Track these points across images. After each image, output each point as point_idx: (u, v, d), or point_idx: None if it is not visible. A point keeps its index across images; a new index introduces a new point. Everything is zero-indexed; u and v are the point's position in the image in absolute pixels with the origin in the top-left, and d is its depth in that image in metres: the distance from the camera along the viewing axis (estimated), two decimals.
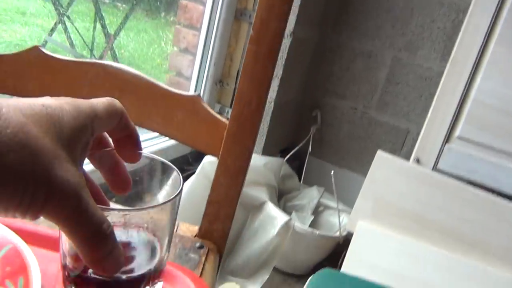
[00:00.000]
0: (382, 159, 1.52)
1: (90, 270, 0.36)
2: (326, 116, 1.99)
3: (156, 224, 0.37)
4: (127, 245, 0.39)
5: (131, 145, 0.37)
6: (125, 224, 0.36)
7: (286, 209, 1.73)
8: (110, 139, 0.38)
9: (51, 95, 0.32)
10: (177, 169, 0.41)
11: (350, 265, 1.49)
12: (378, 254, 1.48)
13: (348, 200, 1.72)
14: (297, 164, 1.94)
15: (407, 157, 1.63)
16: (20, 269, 0.40)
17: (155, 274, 0.39)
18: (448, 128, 1.64)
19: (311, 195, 1.77)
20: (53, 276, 0.44)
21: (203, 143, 0.58)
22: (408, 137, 1.92)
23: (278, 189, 1.72)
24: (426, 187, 1.51)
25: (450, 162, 1.64)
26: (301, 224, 1.61)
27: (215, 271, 0.53)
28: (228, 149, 0.56)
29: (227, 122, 0.57)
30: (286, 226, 1.50)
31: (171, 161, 0.42)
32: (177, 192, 0.38)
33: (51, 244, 0.47)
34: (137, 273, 0.38)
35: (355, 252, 1.48)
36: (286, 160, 1.80)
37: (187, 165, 1.70)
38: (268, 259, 1.51)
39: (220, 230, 0.57)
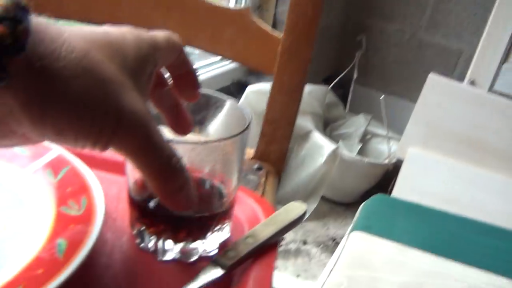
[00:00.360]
0: (435, 82, 1.44)
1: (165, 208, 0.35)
2: (372, 40, 1.89)
3: (225, 160, 0.34)
4: (197, 183, 0.37)
5: (190, 82, 0.34)
6: (194, 160, 0.33)
7: (332, 138, 1.70)
8: (166, 79, 0.35)
9: (94, 15, 0.29)
10: (234, 98, 0.38)
11: (401, 192, 1.46)
12: (430, 180, 1.44)
13: (396, 127, 1.67)
14: (341, 92, 1.87)
15: (460, 79, 1.53)
16: (82, 189, 0.39)
17: (225, 214, 0.37)
18: (506, 47, 1.52)
19: (357, 123, 1.72)
20: (115, 197, 0.43)
21: (255, 60, 0.54)
22: (461, 58, 1.80)
23: (323, 117, 1.68)
24: (481, 109, 1.42)
25: (507, 82, 1.54)
26: (349, 152, 1.57)
27: (275, 193, 0.51)
28: (283, 64, 0.52)
29: (279, 36, 0.53)
30: (334, 154, 1.47)
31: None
32: (247, 124, 0.35)
33: (110, 166, 0.45)
34: (207, 212, 0.36)
35: (406, 178, 1.45)
36: (331, 88, 1.74)
37: (228, 94, 1.67)
38: (316, 188, 1.50)
39: (277, 151, 0.54)
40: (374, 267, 0.86)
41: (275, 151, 0.54)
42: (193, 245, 0.36)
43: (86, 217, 0.35)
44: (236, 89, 1.65)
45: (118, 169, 0.45)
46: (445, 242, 0.94)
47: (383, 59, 1.91)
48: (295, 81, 0.52)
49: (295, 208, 0.42)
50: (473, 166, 1.45)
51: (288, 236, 1.45)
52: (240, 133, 0.34)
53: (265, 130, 0.54)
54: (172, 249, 0.36)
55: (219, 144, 0.33)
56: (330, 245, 1.43)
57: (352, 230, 0.97)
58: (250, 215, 0.43)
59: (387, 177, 1.60)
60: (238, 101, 1.49)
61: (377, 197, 1.09)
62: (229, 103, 0.38)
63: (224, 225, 0.38)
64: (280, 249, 1.40)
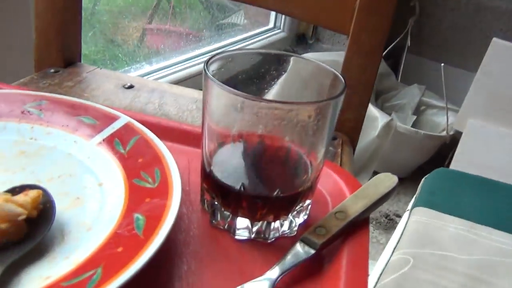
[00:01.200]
0: (498, 48, 1.34)
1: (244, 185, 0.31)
2: (426, 5, 1.78)
3: (314, 128, 0.30)
4: (281, 158, 0.33)
5: None
6: (278, 127, 0.29)
7: (384, 110, 1.62)
8: None
9: None
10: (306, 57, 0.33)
11: (459, 166, 1.39)
12: (491, 153, 1.36)
13: (453, 98, 1.57)
14: (393, 62, 1.78)
15: None
16: (154, 160, 0.36)
17: (309, 191, 0.33)
18: None
19: (411, 94, 1.63)
20: (186, 168, 0.39)
21: (330, 18, 0.49)
22: None
23: (375, 88, 1.61)
24: None
25: None
26: (403, 124, 1.50)
27: (353, 164, 0.47)
28: (361, 22, 0.47)
29: None
30: (388, 126, 1.40)
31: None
32: (343, 87, 0.30)
33: (178, 136, 0.42)
34: (290, 191, 0.32)
35: (465, 152, 1.37)
36: (382, 58, 1.66)
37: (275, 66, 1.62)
38: (368, 161, 1.44)
39: (353, 120, 0.50)
40: (441, 244, 0.80)
41: (350, 119, 0.50)
42: (272, 225, 0.33)
43: (162, 191, 0.32)
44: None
45: (186, 139, 0.42)
46: None
47: (438, 25, 1.80)
48: (375, 41, 0.47)
49: (385, 181, 0.37)
50: None
51: None
52: (336, 96, 0.29)
53: None
54: (248, 228, 0.33)
55: (313, 107, 0.28)
56: (383, 222, 1.38)
57: (414, 206, 0.91)
58: (334, 189, 0.39)
59: (442, 151, 1.52)
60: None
61: (439, 171, 1.03)
62: (314, 64, 0.34)
63: (306, 203, 0.34)
64: None
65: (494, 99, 1.37)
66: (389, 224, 1.36)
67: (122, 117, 0.40)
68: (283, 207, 0.32)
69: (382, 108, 1.64)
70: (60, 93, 0.50)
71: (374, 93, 1.60)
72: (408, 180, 1.57)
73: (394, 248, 0.82)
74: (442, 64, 1.40)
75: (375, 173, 1.50)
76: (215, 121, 0.31)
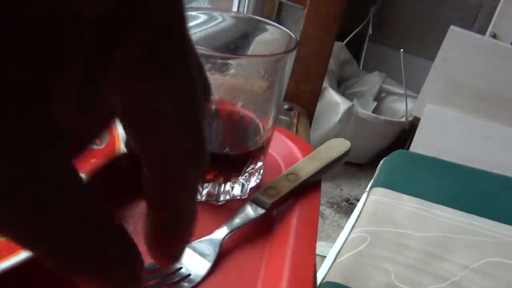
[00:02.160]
0: (455, 35, 1.37)
1: None
2: None
3: (264, 89, 0.29)
4: (231, 117, 0.32)
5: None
6: (230, 86, 0.29)
7: (346, 96, 1.64)
8: None
9: None
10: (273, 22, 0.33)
11: (418, 150, 1.42)
12: (448, 138, 1.39)
13: (412, 85, 1.61)
14: (355, 50, 1.80)
15: (479, 34, 1.46)
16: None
17: (260, 152, 0.33)
18: None
19: (372, 81, 1.66)
20: None
21: None
22: (481, 12, 1.72)
23: (337, 75, 1.62)
24: (504, 63, 1.36)
25: None
26: (364, 110, 1.52)
27: (309, 134, 0.47)
28: None
29: None
30: (349, 112, 1.42)
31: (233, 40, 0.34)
32: (295, 44, 0.30)
33: None
34: (240, 150, 0.32)
35: (423, 136, 1.40)
36: (344, 45, 1.68)
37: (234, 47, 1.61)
38: None
39: (309, 92, 0.50)
40: (398, 222, 0.82)
41: (307, 91, 0.50)
42: (222, 187, 0.32)
43: (109, 151, 0.31)
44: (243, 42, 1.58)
45: None
46: (471, 197, 0.90)
47: (398, 14, 1.83)
48: (332, 12, 0.46)
49: (338, 145, 0.37)
50: (493, 123, 1.40)
51: None
52: (286, 52, 0.29)
53: (296, 68, 0.49)
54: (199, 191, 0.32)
55: (262, 60, 0.28)
56: (344, 206, 1.40)
57: (372, 187, 0.93)
58: (287, 154, 0.38)
59: (402, 137, 1.55)
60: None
61: (397, 153, 1.05)
62: (270, 27, 0.33)
63: (257, 165, 0.34)
64: None
65: (451, 86, 1.41)
66: (350, 208, 1.38)
67: None
68: (234, 167, 0.32)
69: (344, 94, 1.66)
70: None
71: (336, 79, 1.61)
72: (369, 165, 1.60)
73: (352, 227, 0.83)
74: (402, 50, 1.43)
75: None
76: None
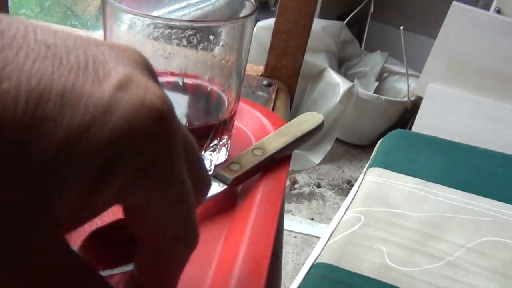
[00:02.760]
0: (458, 11, 1.34)
1: None
2: None
3: (223, 59, 0.27)
4: (190, 87, 0.30)
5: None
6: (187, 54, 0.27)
7: (347, 77, 1.61)
8: None
9: None
10: None
11: (420, 130, 1.39)
12: (451, 117, 1.37)
13: (415, 64, 1.58)
14: (356, 29, 1.77)
15: (484, 9, 1.42)
16: None
17: (224, 126, 0.31)
18: None
19: (374, 61, 1.63)
20: None
21: None
22: None
23: (338, 55, 1.59)
24: (509, 39, 1.32)
25: None
26: (365, 90, 1.50)
27: (288, 110, 0.45)
28: None
29: None
30: (349, 92, 1.39)
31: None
32: (254, 8, 0.28)
33: None
34: (200, 122, 0.30)
35: (426, 116, 1.38)
36: (345, 25, 1.64)
37: None
38: (330, 129, 1.44)
39: (290, 67, 0.48)
40: (393, 202, 0.80)
41: (287, 66, 0.48)
42: None
43: None
44: None
45: None
46: (470, 176, 0.88)
47: None
48: None
49: (310, 119, 0.36)
50: (497, 101, 1.37)
51: (302, 179, 1.41)
52: (245, 16, 0.27)
53: (276, 42, 0.48)
54: None
55: (221, 26, 0.26)
56: (345, 188, 1.38)
57: (369, 167, 0.91)
58: (257, 128, 0.37)
59: (404, 117, 1.52)
60: None
61: (395, 132, 1.03)
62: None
63: (221, 142, 0.32)
64: (294, 192, 1.35)
65: (453, 63, 1.38)
66: (351, 190, 1.37)
67: None
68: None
69: (345, 75, 1.64)
70: None
71: (337, 60, 1.59)
72: (371, 146, 1.57)
73: (347, 208, 0.82)
74: (401, 27, 1.39)
75: (338, 140, 1.50)
76: None
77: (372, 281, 0.64)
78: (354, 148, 1.56)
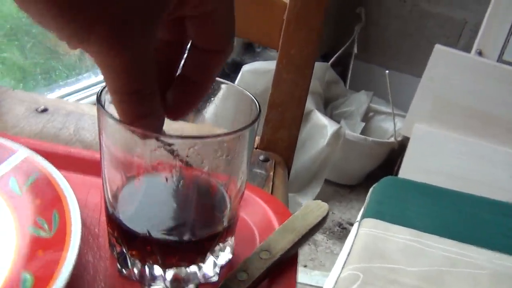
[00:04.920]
0: (441, 54, 1.36)
1: (150, 229, 0.27)
2: (371, 13, 1.80)
3: (229, 159, 0.26)
4: (191, 197, 0.29)
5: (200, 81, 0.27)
6: (189, 159, 0.26)
7: (333, 118, 1.62)
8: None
9: None
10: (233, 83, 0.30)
11: (408, 171, 1.40)
12: (438, 158, 1.37)
13: (400, 103, 1.59)
14: (341, 69, 1.79)
15: (465, 51, 1.46)
16: (53, 200, 0.31)
17: (228, 230, 0.30)
18: None
19: (359, 100, 1.64)
20: (97, 206, 0.35)
21: (258, 32, 0.46)
22: (465, 28, 1.72)
23: (323, 96, 1.60)
24: (491, 80, 1.35)
25: None
26: (351, 131, 1.50)
27: (286, 188, 0.44)
28: (291, 35, 0.44)
29: (286, 1, 0.45)
30: (337, 134, 1.40)
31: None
32: (258, 114, 0.27)
33: (88, 167, 0.38)
34: (205, 233, 0.29)
35: (413, 157, 1.38)
36: (330, 65, 1.66)
37: (223, 76, 1.59)
38: (319, 171, 1.43)
39: (286, 139, 0.47)
40: (390, 257, 0.79)
41: (283, 138, 0.47)
42: (188, 269, 0.29)
43: (58, 240, 0.28)
44: (230, 69, 1.57)
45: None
46: (462, 225, 0.87)
47: (383, 32, 1.83)
48: (305, 54, 0.44)
49: (315, 210, 0.35)
50: (482, 141, 1.39)
51: None
52: (249, 125, 0.26)
53: (271, 115, 0.47)
54: (162, 277, 0.29)
55: (224, 139, 0.25)
56: (337, 231, 1.37)
57: (363, 217, 0.90)
58: (261, 219, 0.35)
59: (392, 156, 1.53)
60: (234, 82, 1.41)
61: (386, 180, 1.02)
62: (228, 87, 0.31)
63: (226, 243, 0.31)
64: None
65: (439, 104, 1.40)
66: (343, 233, 1.35)
67: (20, 150, 0.35)
68: (198, 251, 0.29)
69: (331, 115, 1.64)
70: None
71: (323, 101, 1.59)
72: (360, 187, 1.57)
73: (344, 264, 0.80)
74: (387, 71, 1.41)
75: (326, 181, 1.49)
76: (113, 163, 0.27)
77: None
78: (343, 188, 1.55)
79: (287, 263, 0.31)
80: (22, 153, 0.35)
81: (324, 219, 0.34)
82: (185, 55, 0.25)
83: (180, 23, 0.24)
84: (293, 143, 0.47)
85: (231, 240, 0.31)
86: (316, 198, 1.45)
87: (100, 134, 0.27)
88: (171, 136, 0.24)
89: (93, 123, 0.48)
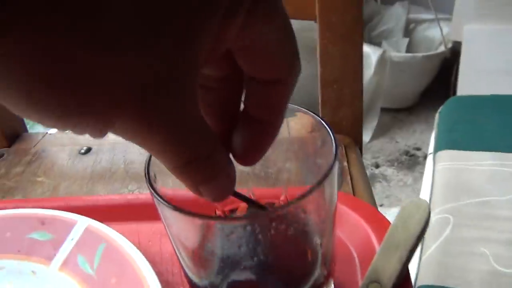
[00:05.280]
0: None
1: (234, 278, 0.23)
2: None
3: (311, 211, 0.22)
4: (276, 252, 0.25)
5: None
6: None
7: (372, 40, 1.51)
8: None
9: None
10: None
11: (467, 79, 1.30)
12: (496, 55, 1.26)
13: (441, 5, 1.46)
14: None
15: None
16: (131, 277, 0.28)
17: (326, 277, 0.26)
18: None
19: (396, 14, 1.51)
20: (173, 256, 0.32)
21: (290, 7, 0.40)
22: None
23: None
24: None
25: None
26: (396, 51, 1.40)
27: (366, 177, 0.39)
28: (327, 2, 0.37)
29: None
30: (382, 60, 1.30)
31: None
32: (335, 155, 0.22)
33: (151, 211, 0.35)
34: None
35: (469, 61, 1.27)
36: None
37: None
38: (372, 103, 1.36)
39: (350, 117, 0.42)
40: (477, 189, 0.73)
41: (347, 116, 0.42)
42: None
43: None
44: None
45: None
46: None
47: None
48: (348, 20, 0.37)
49: (413, 212, 0.30)
50: None
51: None
52: (330, 168, 0.21)
53: (327, 95, 0.41)
54: None
55: (304, 201, 0.21)
56: (405, 160, 1.30)
57: (436, 150, 0.84)
58: (354, 232, 0.31)
59: (446, 66, 1.42)
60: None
61: (452, 101, 0.95)
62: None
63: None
64: None
65: None
66: (412, 161, 1.29)
67: (79, 221, 0.33)
68: None
69: (370, 38, 1.53)
70: (10, 187, 0.43)
71: None
72: (417, 107, 1.48)
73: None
74: None
75: (381, 109, 1.41)
76: (184, 250, 0.23)
77: None
78: (400, 112, 1.47)
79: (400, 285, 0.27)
80: (82, 224, 0.32)
81: (427, 222, 0.30)
82: (245, 91, 0.21)
83: (229, 56, 0.19)
84: (358, 119, 0.42)
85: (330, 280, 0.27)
86: (375, 130, 1.38)
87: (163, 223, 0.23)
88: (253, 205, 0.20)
89: (141, 154, 0.44)
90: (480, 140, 0.79)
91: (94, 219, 0.33)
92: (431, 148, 0.86)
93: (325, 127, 0.24)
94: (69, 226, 0.33)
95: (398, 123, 1.43)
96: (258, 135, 0.20)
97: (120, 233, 0.31)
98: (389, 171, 1.27)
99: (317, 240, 0.23)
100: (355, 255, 0.30)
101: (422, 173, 1.26)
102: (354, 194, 0.36)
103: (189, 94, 0.16)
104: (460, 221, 0.67)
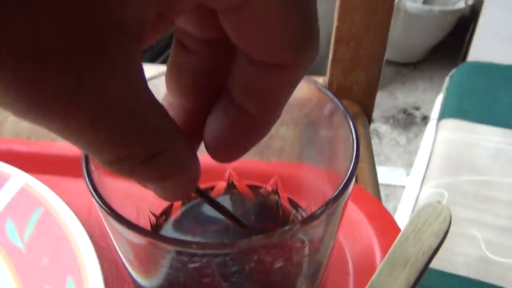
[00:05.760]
0: None
1: None
2: None
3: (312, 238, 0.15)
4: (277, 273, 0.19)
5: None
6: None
7: None
8: None
9: None
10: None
11: (483, 42, 1.21)
12: None
13: None
14: None
15: None
16: (67, 260, 0.23)
17: None
18: None
19: None
20: None
21: None
22: None
23: None
24: None
25: None
26: (412, 1, 1.29)
27: (371, 151, 0.33)
28: None
29: None
30: (396, 9, 1.20)
31: None
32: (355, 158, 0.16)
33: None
34: None
35: (488, 23, 1.18)
36: None
37: None
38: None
39: (363, 82, 0.35)
40: (479, 166, 0.68)
41: (360, 82, 0.35)
42: None
43: None
44: None
45: None
46: None
47: None
48: None
49: (431, 218, 0.24)
50: None
51: None
52: (344, 185, 0.15)
53: (340, 53, 0.34)
54: None
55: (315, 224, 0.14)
56: (401, 119, 1.24)
57: (441, 117, 0.78)
58: (354, 233, 0.26)
59: (461, 24, 1.32)
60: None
61: (466, 66, 0.87)
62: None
63: None
64: None
65: None
66: (408, 120, 1.23)
67: (13, 176, 0.26)
68: None
69: None
70: None
71: None
72: (424, 62, 1.40)
73: (423, 179, 0.70)
74: None
75: (386, 62, 1.33)
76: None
77: (470, 283, 0.55)
78: (405, 67, 1.39)
79: None
80: (17, 181, 0.26)
81: (446, 234, 0.24)
82: (233, 68, 0.14)
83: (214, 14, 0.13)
84: (373, 85, 0.35)
85: None
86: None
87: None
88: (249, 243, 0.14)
89: None
90: (490, 113, 0.73)
91: (35, 174, 0.27)
92: (434, 114, 0.80)
93: (340, 109, 0.17)
94: (1, 180, 0.26)
95: (400, 78, 1.35)
96: (241, 129, 0.15)
97: (66, 199, 0.25)
98: (383, 128, 1.21)
99: (309, 271, 0.17)
100: (350, 261, 0.25)
101: (417, 134, 1.21)
102: (356, 180, 0.30)
103: (123, 67, 0.11)
104: (455, 199, 0.63)
